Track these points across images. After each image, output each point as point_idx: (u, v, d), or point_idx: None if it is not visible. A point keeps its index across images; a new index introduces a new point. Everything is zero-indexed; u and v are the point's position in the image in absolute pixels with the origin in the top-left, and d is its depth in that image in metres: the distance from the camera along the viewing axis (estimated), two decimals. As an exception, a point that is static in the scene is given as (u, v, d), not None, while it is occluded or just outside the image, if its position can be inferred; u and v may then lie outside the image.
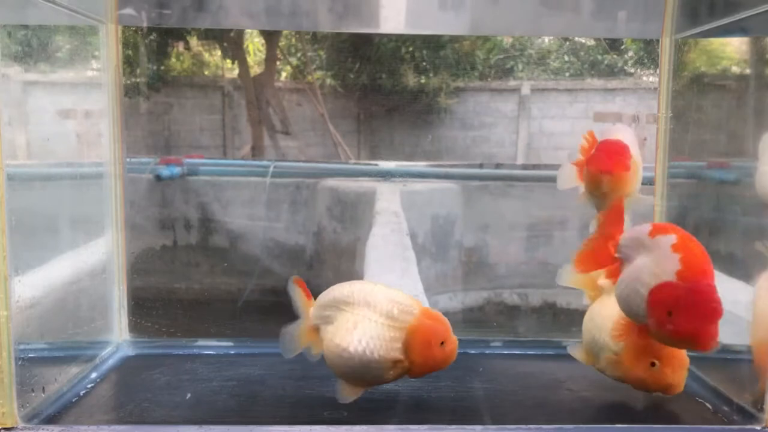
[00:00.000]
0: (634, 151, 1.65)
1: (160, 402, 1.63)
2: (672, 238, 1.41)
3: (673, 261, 1.37)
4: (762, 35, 1.73)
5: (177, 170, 4.21)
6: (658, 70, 2.04)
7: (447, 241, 4.64)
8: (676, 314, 1.34)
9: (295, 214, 4.57)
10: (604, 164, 1.57)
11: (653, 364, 1.53)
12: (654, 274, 1.40)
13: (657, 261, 1.41)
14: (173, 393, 1.69)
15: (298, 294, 1.62)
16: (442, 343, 1.50)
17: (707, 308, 1.34)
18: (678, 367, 1.54)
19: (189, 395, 1.66)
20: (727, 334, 1.71)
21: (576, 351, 1.74)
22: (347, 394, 1.55)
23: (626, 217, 1.65)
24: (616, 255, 1.57)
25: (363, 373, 1.51)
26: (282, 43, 4.67)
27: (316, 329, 1.59)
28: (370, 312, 1.50)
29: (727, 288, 1.72)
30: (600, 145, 1.63)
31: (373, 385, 1.56)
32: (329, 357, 1.54)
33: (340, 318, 1.53)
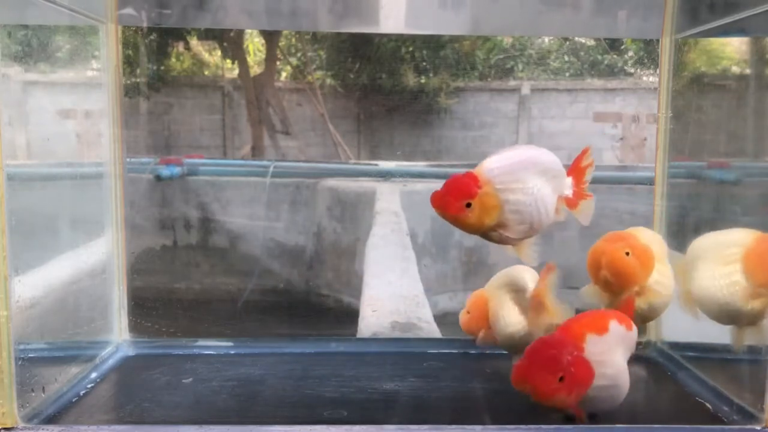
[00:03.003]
0: (519, 178, 1.46)
1: (160, 402, 1.63)
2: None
3: None
4: (762, 35, 1.73)
5: (177, 170, 4.21)
6: (658, 70, 2.04)
7: (447, 241, 4.64)
8: None
9: (295, 214, 4.57)
10: (432, 200, 1.46)
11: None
12: None
13: None
14: (173, 393, 1.69)
15: None
16: None
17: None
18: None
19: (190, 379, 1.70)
20: (727, 334, 1.71)
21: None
22: None
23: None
24: None
25: None
26: (282, 43, 4.67)
27: None
28: None
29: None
30: (449, 178, 1.48)
31: None
32: None
33: None
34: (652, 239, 1.67)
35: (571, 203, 1.56)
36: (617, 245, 1.58)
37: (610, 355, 1.46)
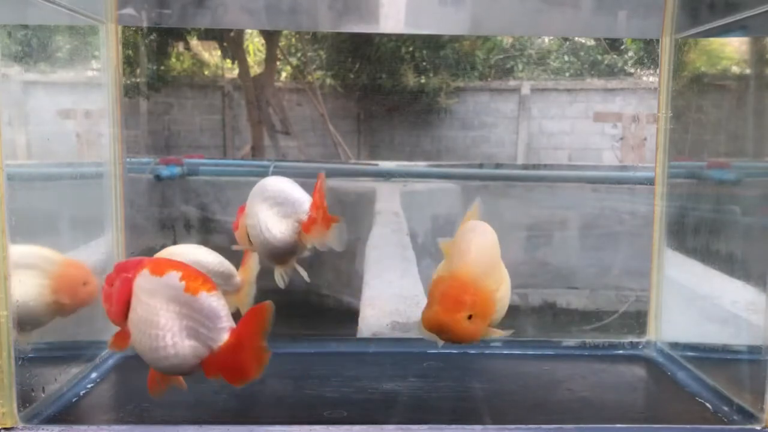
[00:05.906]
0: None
1: (160, 402, 1.62)
2: None
3: None
4: (762, 35, 1.73)
5: (177, 170, 4.21)
6: (658, 70, 2.04)
7: (447, 241, 4.63)
8: None
9: (295, 214, 4.56)
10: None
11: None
12: None
13: None
14: (173, 393, 1.68)
15: None
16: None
17: None
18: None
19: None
20: (727, 334, 1.71)
21: None
22: None
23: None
24: None
25: None
26: (282, 43, 4.67)
27: None
28: None
29: (726, 288, 1.72)
30: None
31: None
32: None
33: None
34: (478, 247, 1.49)
35: (305, 228, 1.59)
36: (458, 316, 1.31)
37: (149, 298, 1.29)
